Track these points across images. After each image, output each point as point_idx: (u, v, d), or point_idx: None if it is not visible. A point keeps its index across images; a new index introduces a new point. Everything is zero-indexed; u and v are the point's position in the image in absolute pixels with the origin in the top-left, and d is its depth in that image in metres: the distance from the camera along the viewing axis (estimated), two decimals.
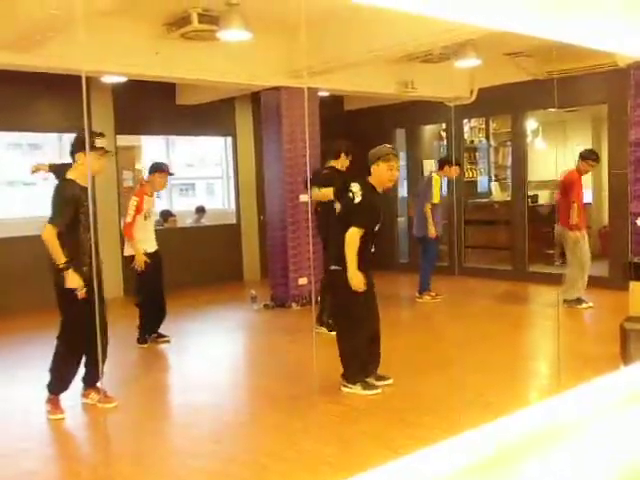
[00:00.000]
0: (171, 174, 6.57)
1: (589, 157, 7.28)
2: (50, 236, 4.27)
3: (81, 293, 4.31)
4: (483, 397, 4.48)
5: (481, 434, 1.38)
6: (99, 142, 4.43)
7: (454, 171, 8.31)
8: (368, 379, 4.77)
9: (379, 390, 4.71)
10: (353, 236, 4.53)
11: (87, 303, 4.29)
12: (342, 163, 6.55)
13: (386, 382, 4.84)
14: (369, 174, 4.72)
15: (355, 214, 4.64)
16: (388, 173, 4.66)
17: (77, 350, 4.47)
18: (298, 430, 4.18)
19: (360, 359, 4.75)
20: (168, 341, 6.49)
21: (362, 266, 4.59)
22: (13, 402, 4.94)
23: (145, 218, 6.25)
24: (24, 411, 4.63)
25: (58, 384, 4.48)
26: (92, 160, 4.37)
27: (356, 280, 4.54)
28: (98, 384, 4.65)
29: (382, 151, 4.71)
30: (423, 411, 4.37)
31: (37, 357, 6.12)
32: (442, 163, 8.42)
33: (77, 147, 4.44)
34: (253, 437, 4.20)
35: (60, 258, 4.26)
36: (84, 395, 4.72)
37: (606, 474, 1.43)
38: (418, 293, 8.16)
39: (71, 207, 4.32)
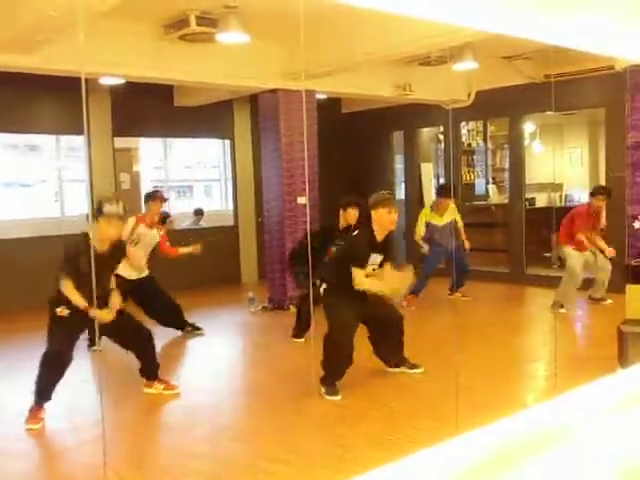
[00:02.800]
0: (165, 200, 6.71)
1: (596, 192, 7.32)
2: (65, 288, 4.45)
3: (61, 311, 4.46)
4: (481, 400, 4.48)
5: (479, 437, 1.38)
6: (106, 208, 4.45)
7: (442, 205, 8.13)
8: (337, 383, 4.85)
9: (339, 397, 4.74)
10: (355, 274, 4.79)
11: (69, 323, 4.46)
12: (347, 217, 6.40)
13: (416, 370, 5.25)
14: (370, 220, 4.95)
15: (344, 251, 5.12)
16: (388, 217, 4.88)
17: (50, 362, 4.49)
18: (296, 432, 4.18)
19: (329, 367, 4.84)
20: (202, 334, 6.89)
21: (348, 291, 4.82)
22: (10, 402, 4.93)
23: (134, 244, 6.28)
24: (20, 412, 4.62)
25: (39, 393, 4.49)
26: (103, 226, 4.48)
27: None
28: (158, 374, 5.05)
29: (380, 197, 4.96)
30: (421, 413, 4.37)
31: (35, 358, 6.11)
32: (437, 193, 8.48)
33: (95, 213, 4.58)
34: (251, 439, 4.20)
35: (80, 303, 4.41)
36: (147, 386, 5.03)
37: (603, 477, 1.43)
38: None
39: (74, 262, 4.42)
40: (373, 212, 4.88)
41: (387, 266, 5.01)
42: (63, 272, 4.46)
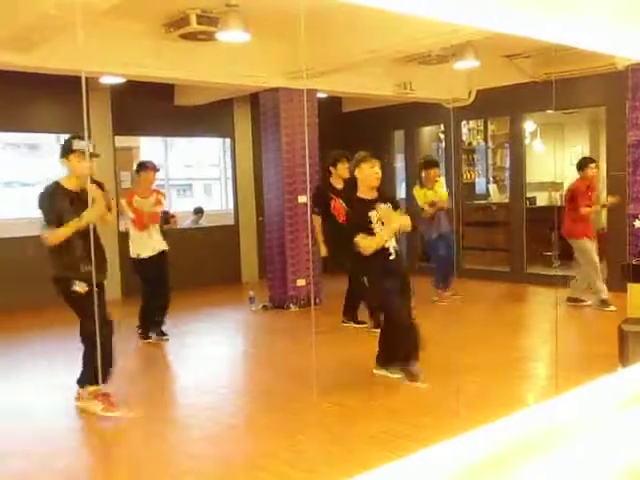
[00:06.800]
0: (157, 170, 6.62)
1: (588, 162, 7.38)
2: (53, 238, 4.30)
3: (81, 288, 4.34)
4: (481, 399, 4.48)
5: (479, 436, 1.38)
6: (76, 144, 4.35)
7: (431, 177, 7.94)
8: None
9: (400, 375, 4.93)
10: (359, 242, 4.78)
11: (90, 298, 4.31)
12: (339, 173, 6.60)
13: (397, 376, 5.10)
14: (355, 186, 5.00)
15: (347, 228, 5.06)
16: (371, 171, 4.92)
17: (93, 339, 4.38)
18: (296, 431, 4.17)
19: (390, 347, 4.98)
20: (167, 339, 6.56)
21: (374, 269, 4.87)
22: (8, 402, 4.93)
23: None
24: (21, 411, 4.62)
25: (88, 373, 4.47)
26: (75, 163, 4.35)
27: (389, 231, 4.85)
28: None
29: (360, 155, 5.02)
30: (421, 413, 4.37)
31: (33, 356, 6.12)
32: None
33: (61, 153, 4.45)
34: (251, 438, 4.20)
35: (78, 224, 4.24)
36: (77, 399, 4.61)
37: (604, 475, 1.43)
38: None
39: (54, 207, 4.32)
40: (357, 171, 4.94)
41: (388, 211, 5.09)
42: (47, 225, 4.29)
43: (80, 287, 4.37)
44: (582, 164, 7.39)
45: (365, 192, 4.96)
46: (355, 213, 5.05)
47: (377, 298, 5.11)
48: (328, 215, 6.54)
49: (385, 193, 5.14)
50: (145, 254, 6.34)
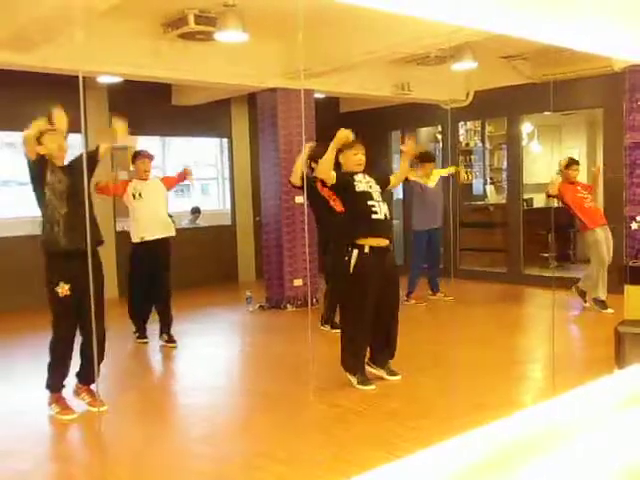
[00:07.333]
0: (152, 158, 6.59)
1: (571, 163, 7.45)
2: None
3: (62, 290, 4.36)
4: (478, 400, 4.48)
5: (476, 437, 1.38)
6: (46, 125, 4.49)
7: (426, 169, 7.98)
8: (367, 372, 4.91)
9: (373, 387, 4.80)
10: (321, 163, 4.91)
11: (72, 299, 4.37)
12: None
13: (394, 377, 5.00)
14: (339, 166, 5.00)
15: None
16: (354, 158, 4.97)
17: (57, 347, 4.48)
18: (293, 432, 4.17)
19: (354, 351, 4.86)
20: (174, 347, 6.39)
21: (366, 234, 4.83)
22: (7, 402, 4.92)
23: (134, 198, 6.25)
24: (18, 412, 4.62)
25: (50, 381, 4.49)
26: (48, 142, 4.47)
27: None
28: (93, 386, 4.62)
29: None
30: (418, 414, 4.37)
31: (30, 357, 6.10)
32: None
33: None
34: (247, 438, 4.19)
35: None
36: (76, 393, 4.65)
37: (602, 476, 1.43)
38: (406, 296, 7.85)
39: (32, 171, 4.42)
40: (340, 156, 4.94)
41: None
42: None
43: (61, 288, 4.37)
44: (566, 164, 7.44)
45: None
46: (340, 178, 4.94)
47: (340, 297, 5.06)
48: (316, 197, 6.25)
49: (372, 173, 5.10)
50: (147, 236, 6.20)
